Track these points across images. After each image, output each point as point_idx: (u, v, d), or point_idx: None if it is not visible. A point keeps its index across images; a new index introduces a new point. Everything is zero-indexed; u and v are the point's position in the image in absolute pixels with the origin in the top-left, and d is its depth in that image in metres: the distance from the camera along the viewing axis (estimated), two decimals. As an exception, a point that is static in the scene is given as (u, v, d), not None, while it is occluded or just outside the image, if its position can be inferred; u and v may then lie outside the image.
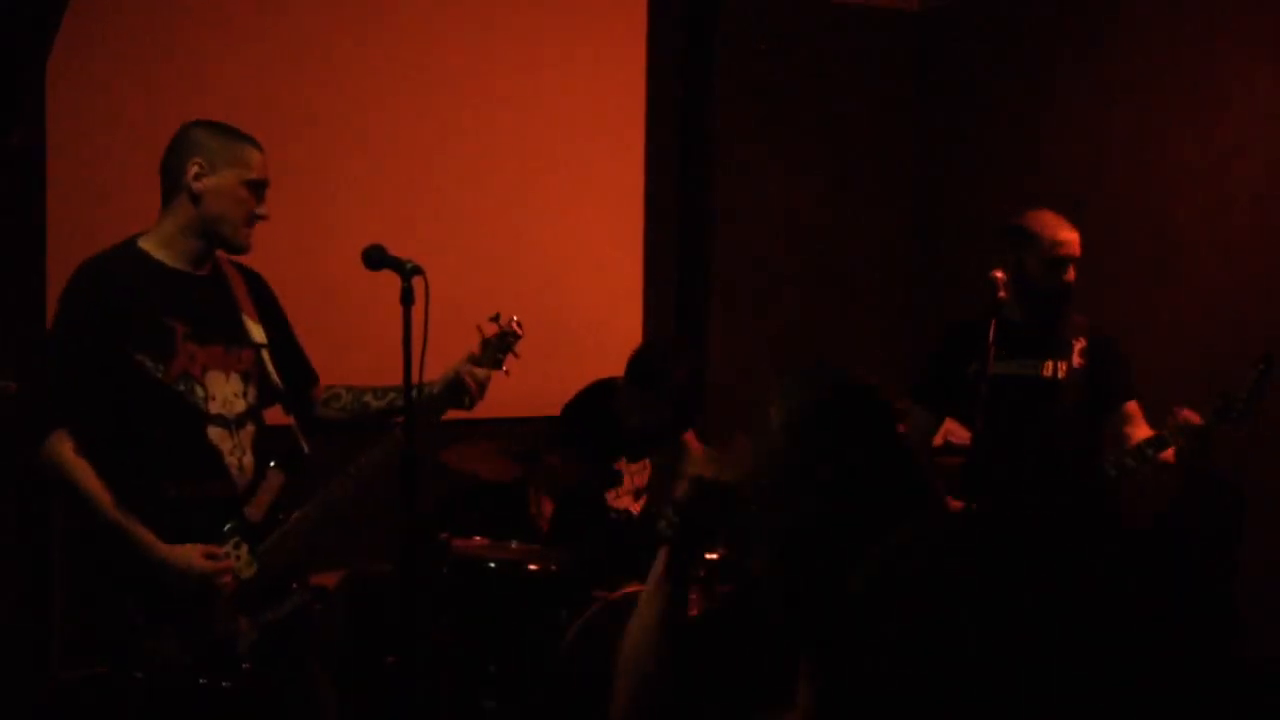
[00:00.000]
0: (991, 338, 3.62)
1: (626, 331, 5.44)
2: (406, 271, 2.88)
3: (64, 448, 2.86)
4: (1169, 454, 3.64)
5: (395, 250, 2.94)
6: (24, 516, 4.31)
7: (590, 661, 3.73)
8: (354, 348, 4.19)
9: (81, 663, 4.14)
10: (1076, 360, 3.83)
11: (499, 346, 3.22)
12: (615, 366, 4.54)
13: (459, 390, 3.18)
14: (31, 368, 3.01)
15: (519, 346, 3.25)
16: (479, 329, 3.21)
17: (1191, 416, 3.58)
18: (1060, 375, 3.82)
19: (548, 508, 4.40)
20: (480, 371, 3.18)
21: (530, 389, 4.05)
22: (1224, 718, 4.48)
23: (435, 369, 3.06)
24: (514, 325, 3.23)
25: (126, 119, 4.55)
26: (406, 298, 2.85)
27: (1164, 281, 4.95)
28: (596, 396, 4.44)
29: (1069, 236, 3.81)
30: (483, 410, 3.30)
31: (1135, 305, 4.98)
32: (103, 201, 4.48)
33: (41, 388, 2.96)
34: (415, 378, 2.85)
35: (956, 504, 3.79)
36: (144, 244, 3.03)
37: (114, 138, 4.54)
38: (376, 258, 2.93)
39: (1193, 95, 4.89)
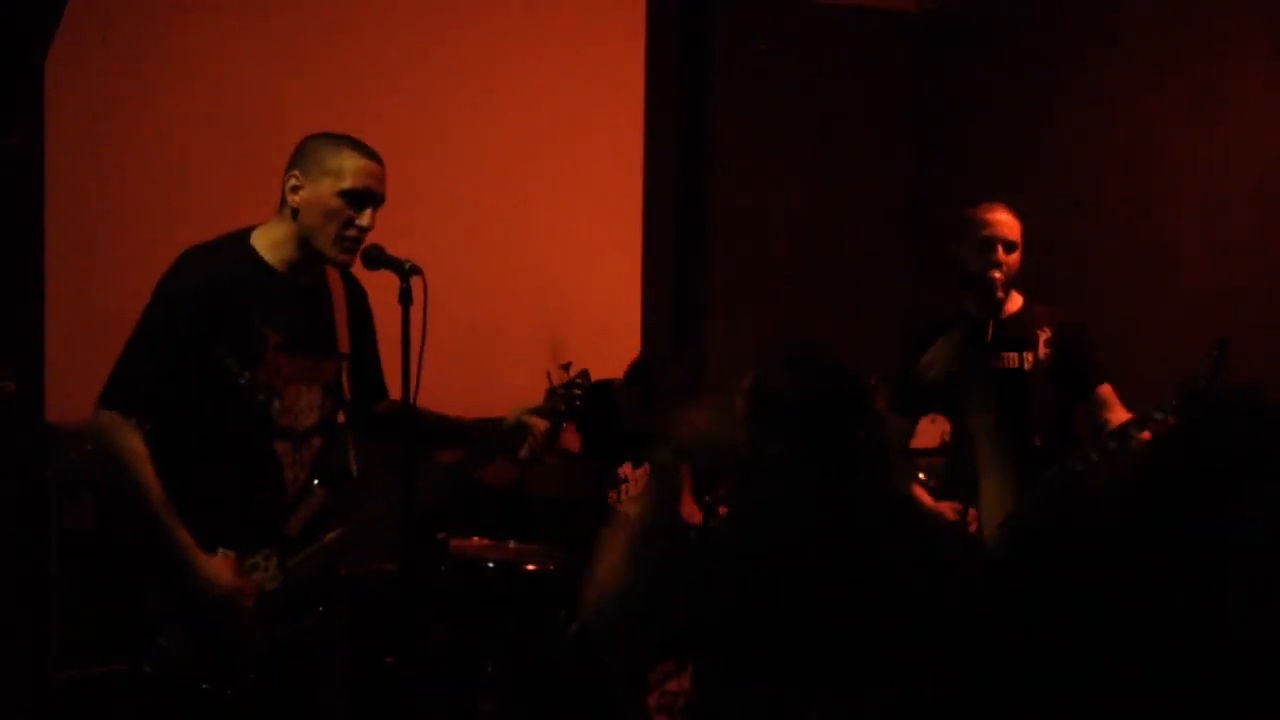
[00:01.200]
0: (990, 336, 3.62)
1: (625, 331, 5.45)
2: (405, 271, 2.85)
3: (128, 431, 2.81)
4: (1147, 434, 3.65)
5: (393, 250, 2.94)
6: (24, 516, 4.31)
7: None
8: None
9: (80, 663, 4.14)
10: (1042, 350, 3.82)
11: (565, 397, 3.19)
12: (614, 366, 4.54)
13: (520, 439, 3.14)
14: (130, 349, 2.91)
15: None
16: (547, 376, 3.18)
17: (1163, 419, 3.57)
18: (1026, 366, 3.82)
19: (573, 439, 4.40)
20: (542, 422, 3.14)
21: (527, 389, 4.05)
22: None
23: (432, 370, 3.05)
24: (581, 376, 3.20)
25: (125, 118, 4.55)
26: (405, 298, 2.83)
27: (1162, 281, 4.95)
28: (597, 398, 4.44)
29: (998, 218, 3.75)
30: (480, 411, 3.30)
31: (1133, 305, 4.98)
32: (101, 201, 4.49)
33: (120, 365, 2.89)
34: (413, 378, 2.84)
35: (947, 504, 3.81)
36: (256, 241, 2.96)
37: (112, 137, 4.54)
38: (375, 257, 2.91)
39: (1191, 95, 4.88)
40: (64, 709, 4.23)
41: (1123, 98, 5.14)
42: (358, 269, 2.99)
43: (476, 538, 4.27)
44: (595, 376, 4.56)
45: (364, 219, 2.94)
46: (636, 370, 4.25)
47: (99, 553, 4.16)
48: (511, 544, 4.26)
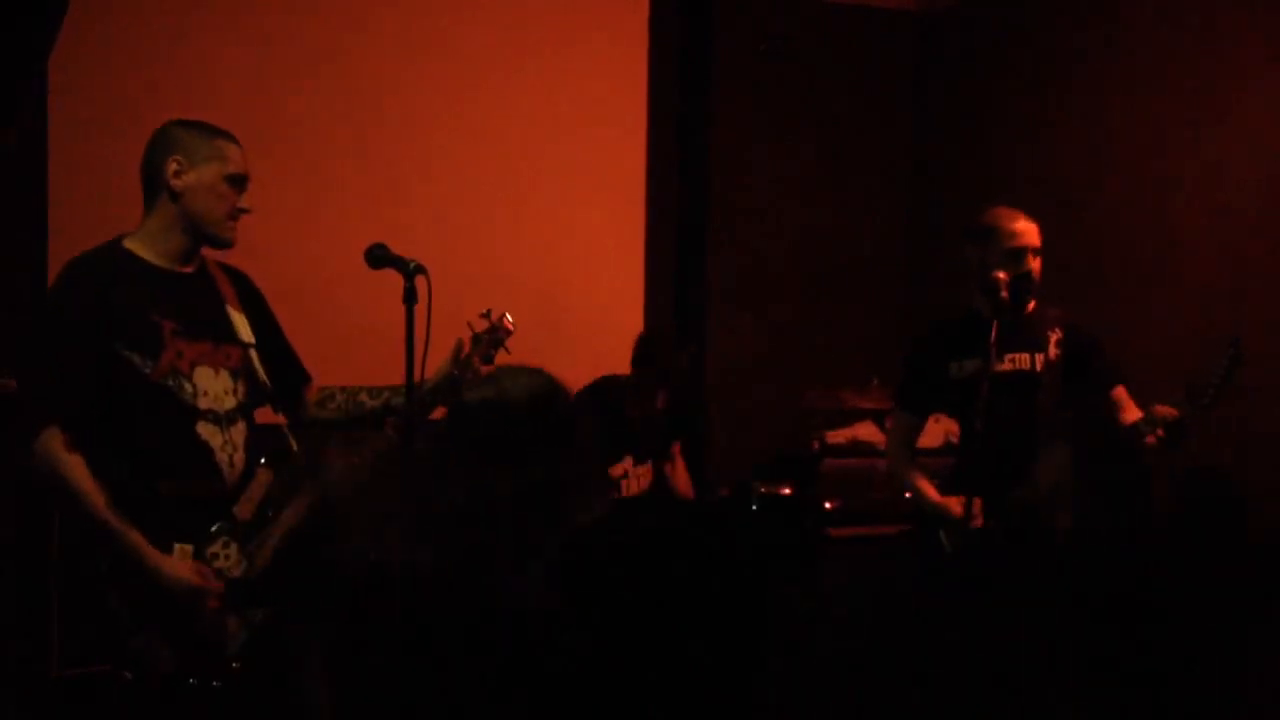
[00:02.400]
0: (994, 337, 3.64)
1: (627, 331, 5.43)
2: (409, 270, 2.86)
3: (56, 445, 2.85)
4: (1151, 440, 3.69)
5: (397, 249, 2.94)
6: (23, 515, 4.31)
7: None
8: (356, 347, 4.20)
9: (80, 661, 4.13)
10: (1053, 352, 3.87)
11: (490, 342, 3.21)
12: (616, 365, 4.55)
13: (453, 387, 3.17)
14: (24, 366, 3.00)
15: (510, 342, 3.24)
16: (469, 325, 3.21)
17: (1168, 411, 3.64)
18: (1038, 368, 3.85)
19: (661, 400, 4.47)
20: (477, 363, 3.18)
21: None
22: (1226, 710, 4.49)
23: (436, 368, 3.06)
24: (505, 321, 3.22)
25: (127, 117, 4.54)
26: (409, 297, 2.83)
27: (1164, 283, 4.95)
28: (598, 394, 4.45)
29: (1025, 227, 3.85)
30: (484, 409, 3.29)
31: (1135, 306, 4.98)
32: (103, 200, 4.47)
33: (31, 386, 2.97)
34: (418, 377, 2.84)
35: (954, 501, 3.82)
36: (129, 243, 3.04)
37: (115, 136, 4.52)
38: (379, 256, 2.93)
39: (1193, 96, 4.88)
40: (63, 707, 4.23)
41: (1124, 97, 5.15)
42: (359, 268, 3.00)
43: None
44: (596, 376, 4.58)
45: (245, 201, 3.08)
46: (642, 348, 4.31)
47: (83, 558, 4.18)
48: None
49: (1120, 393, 3.88)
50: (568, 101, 5.38)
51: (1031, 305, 3.91)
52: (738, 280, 5.88)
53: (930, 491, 3.93)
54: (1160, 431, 3.66)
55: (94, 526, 2.85)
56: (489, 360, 3.21)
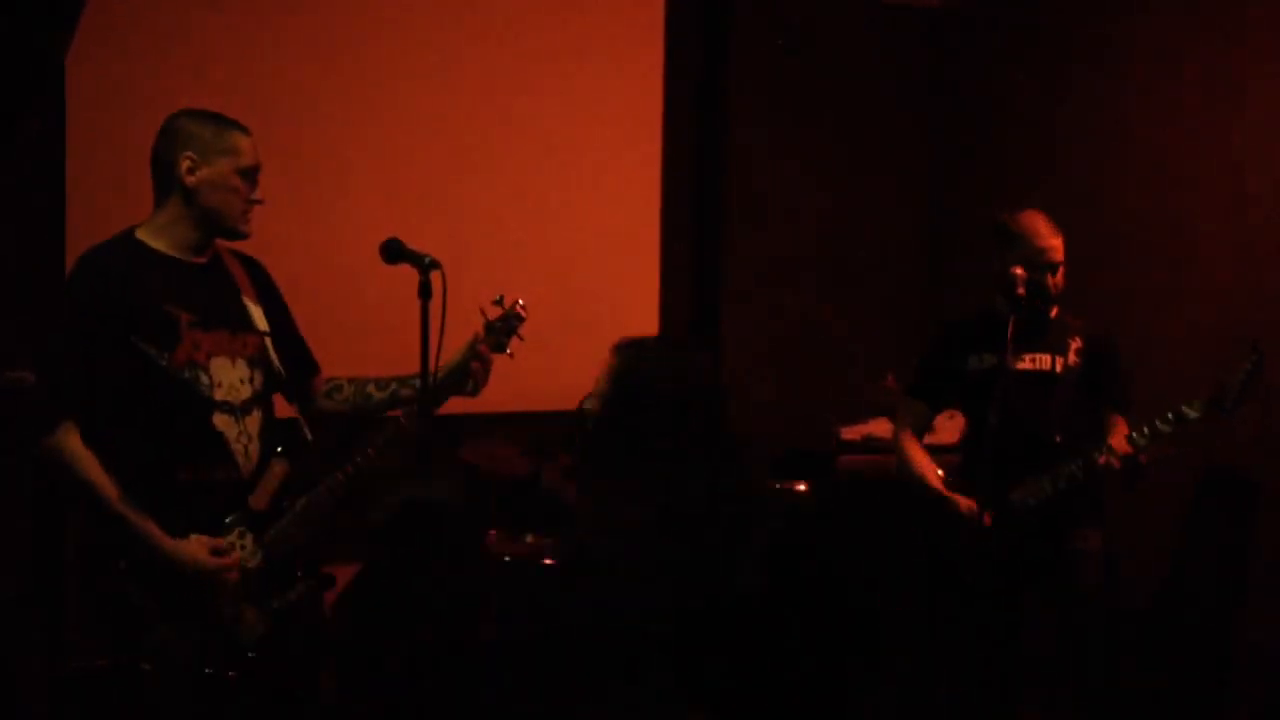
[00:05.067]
0: (1010, 334, 3.65)
1: (642, 326, 5.43)
2: (424, 265, 2.88)
3: (70, 439, 2.87)
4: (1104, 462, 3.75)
5: (412, 244, 2.94)
6: (38, 506, 4.33)
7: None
8: (371, 342, 4.20)
9: (95, 652, 4.15)
10: (1073, 359, 3.89)
11: (503, 330, 3.19)
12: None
13: (465, 376, 3.16)
14: (40, 360, 3.01)
15: (524, 336, 3.22)
16: (482, 312, 3.20)
17: (1122, 447, 3.73)
18: (1058, 370, 3.87)
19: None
20: (487, 353, 3.17)
21: (545, 383, 4.06)
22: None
23: (448, 358, 3.06)
24: (518, 308, 3.20)
25: (145, 108, 4.51)
26: (424, 292, 2.85)
27: (1179, 281, 4.93)
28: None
29: (1053, 243, 3.90)
30: (498, 404, 3.30)
31: (1150, 305, 4.96)
32: (121, 191, 4.47)
33: (46, 380, 2.97)
34: (433, 371, 2.85)
35: (968, 500, 3.81)
36: (142, 234, 3.04)
37: (133, 127, 4.50)
38: (395, 251, 2.93)
39: (1209, 95, 4.86)
40: (78, 698, 4.25)
41: (1143, 93, 5.12)
42: (374, 263, 3.00)
43: (493, 530, 4.27)
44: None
45: (258, 193, 3.07)
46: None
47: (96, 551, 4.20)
48: (528, 538, 4.27)
49: (1115, 420, 3.89)
50: (583, 94, 5.37)
51: (1055, 311, 3.93)
52: (753, 276, 5.87)
53: (937, 484, 3.94)
54: (1116, 463, 3.72)
55: (108, 519, 2.85)
56: (501, 349, 3.20)
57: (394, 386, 3.23)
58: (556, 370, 3.28)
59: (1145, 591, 4.79)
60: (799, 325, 5.92)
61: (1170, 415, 3.71)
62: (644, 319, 5.55)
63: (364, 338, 4.26)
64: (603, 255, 5.43)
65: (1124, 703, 4.52)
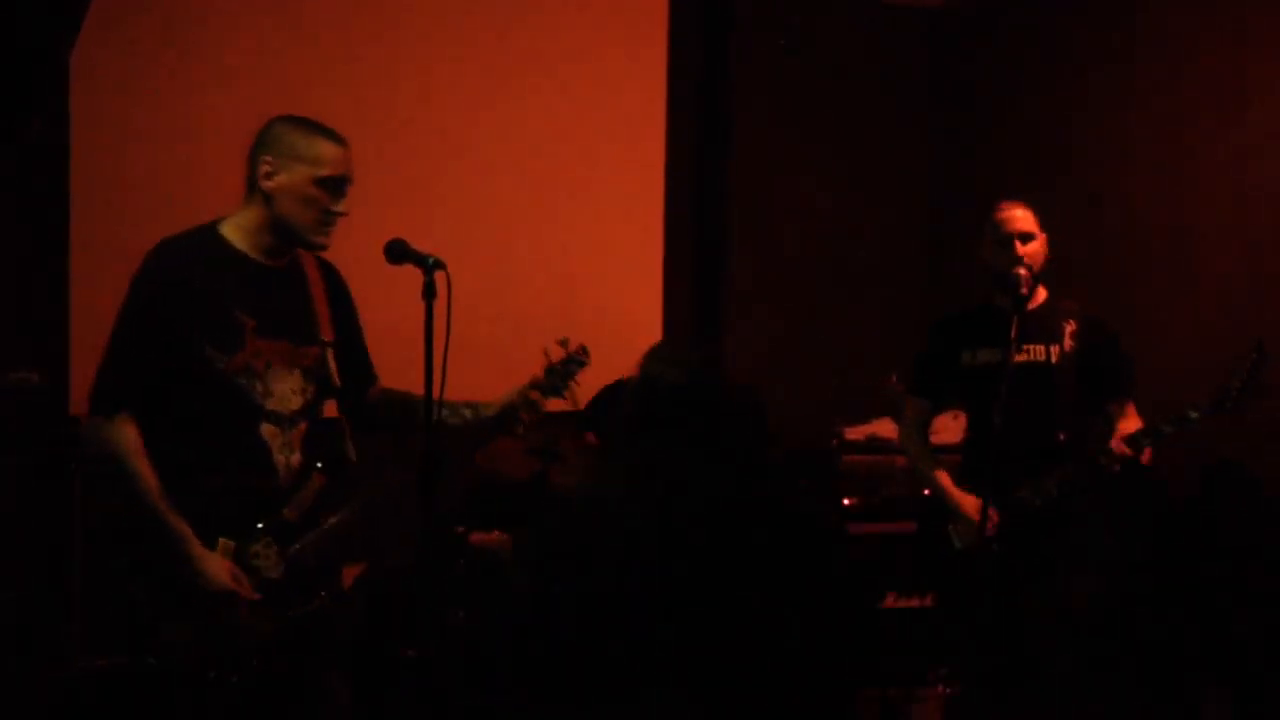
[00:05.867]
0: (1014, 332, 3.64)
1: (645, 329, 5.44)
2: (429, 266, 2.87)
3: (126, 429, 2.86)
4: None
5: (417, 245, 2.94)
6: (47, 507, 4.34)
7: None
8: (375, 342, 4.18)
9: (100, 652, 4.16)
10: (1068, 344, 3.87)
11: (562, 374, 3.17)
12: (635, 364, 4.54)
13: (515, 417, 3.15)
14: (111, 347, 2.96)
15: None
16: (545, 353, 3.18)
17: (1123, 450, 3.72)
18: (1053, 359, 3.85)
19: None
20: (540, 399, 3.15)
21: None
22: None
23: (456, 364, 3.05)
24: (580, 352, 3.18)
25: (149, 110, 4.57)
26: (428, 293, 2.85)
27: (1183, 280, 4.93)
28: (617, 394, 4.45)
29: (1012, 214, 3.87)
30: (502, 405, 3.29)
31: (1159, 299, 4.96)
32: (126, 192, 4.50)
33: (112, 365, 2.93)
34: (437, 373, 2.85)
35: (970, 497, 3.82)
36: (225, 230, 3.00)
37: (137, 129, 4.55)
38: (399, 252, 2.93)
39: (1213, 94, 4.86)
40: (82, 698, 4.26)
41: (1146, 92, 5.13)
42: (378, 264, 3.00)
43: (496, 532, 4.28)
44: (615, 375, 4.57)
45: (340, 205, 2.99)
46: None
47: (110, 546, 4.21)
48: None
49: (1124, 405, 3.88)
50: (587, 98, 5.38)
51: (1042, 295, 3.90)
52: (756, 278, 5.88)
53: (945, 481, 3.95)
54: (1116, 467, 3.72)
55: (142, 511, 2.85)
56: (558, 394, 3.16)
57: (446, 412, 3.21)
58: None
59: (1147, 591, 4.79)
60: (800, 325, 5.92)
61: (1173, 417, 3.70)
62: (647, 322, 5.56)
63: (368, 339, 4.26)
64: (606, 256, 5.44)
65: (1125, 702, 4.52)
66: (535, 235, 5.27)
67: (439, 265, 2.87)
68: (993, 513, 3.69)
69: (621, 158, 5.49)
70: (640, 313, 5.55)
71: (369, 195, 4.88)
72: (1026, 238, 3.83)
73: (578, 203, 5.37)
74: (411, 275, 2.90)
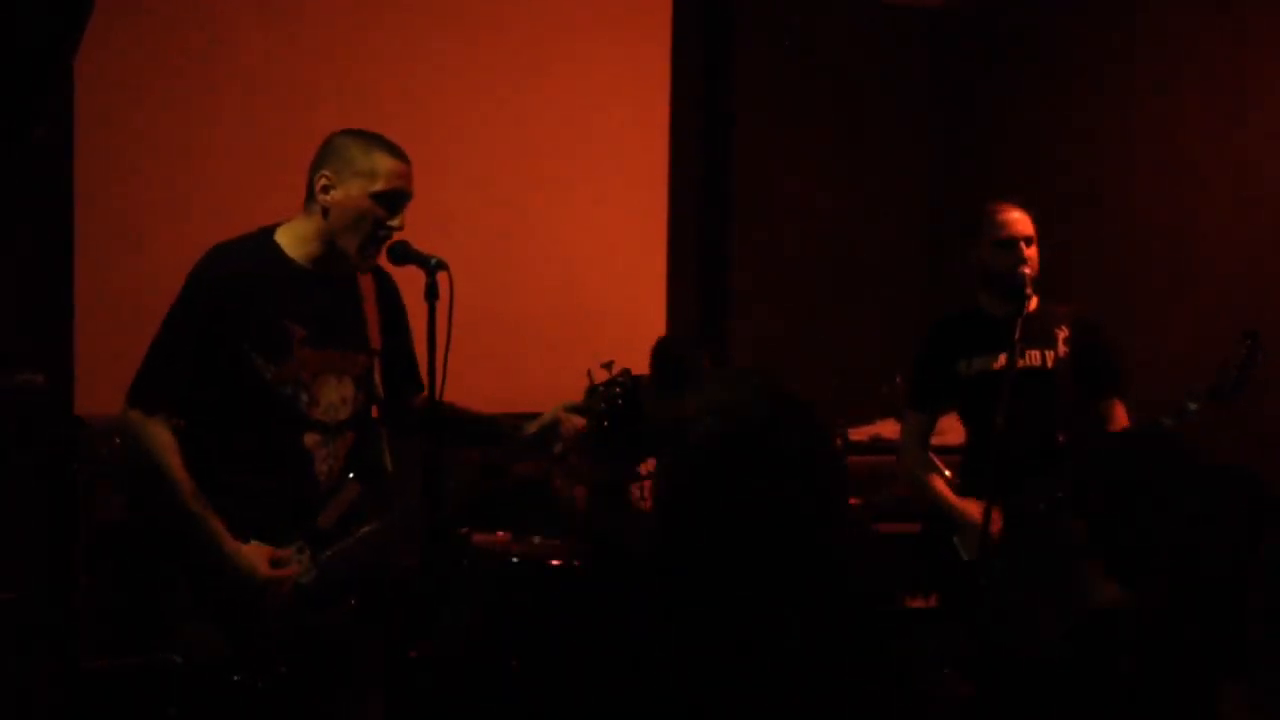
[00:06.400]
0: (1018, 335, 3.63)
1: (650, 327, 5.44)
2: (431, 267, 2.87)
3: (162, 428, 2.85)
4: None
5: (419, 246, 2.95)
6: (52, 509, 4.34)
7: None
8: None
9: (107, 654, 4.16)
10: (1062, 349, 3.85)
11: (606, 396, 3.14)
12: (639, 362, 4.55)
13: (553, 436, 3.13)
14: (157, 344, 2.94)
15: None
16: (589, 375, 3.17)
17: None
18: (1049, 365, 3.84)
19: (580, 493, 4.41)
20: (579, 420, 3.13)
21: (554, 383, 4.06)
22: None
23: (459, 365, 3.06)
24: (624, 375, 3.16)
25: (153, 114, 4.58)
26: (431, 293, 2.85)
27: (1186, 282, 4.93)
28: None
29: (1014, 216, 3.81)
30: (505, 405, 3.30)
31: (1160, 301, 4.97)
32: (129, 196, 4.51)
33: (155, 363, 2.92)
34: (439, 373, 2.85)
35: (972, 503, 3.82)
36: (280, 238, 2.98)
37: (141, 132, 4.56)
38: (401, 253, 2.93)
39: (1213, 94, 4.87)
40: (91, 700, 4.26)
41: (1148, 93, 5.13)
42: (381, 265, 3.01)
43: (500, 532, 4.28)
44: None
45: (396, 220, 2.94)
46: (662, 349, 4.28)
47: (127, 545, 4.19)
48: (536, 539, 4.28)
49: (1113, 406, 3.87)
50: (590, 98, 5.39)
51: (1034, 302, 3.87)
52: (760, 277, 5.89)
53: (946, 493, 3.92)
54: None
55: (176, 509, 2.84)
56: (598, 418, 3.12)
57: (484, 426, 3.21)
58: (565, 370, 3.28)
59: (1148, 591, 4.79)
60: (800, 325, 5.93)
61: (1173, 411, 3.70)
62: (651, 321, 5.56)
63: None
64: (609, 258, 5.45)
65: (1127, 702, 4.52)
66: (538, 236, 5.28)
67: (441, 266, 2.87)
68: (996, 515, 3.68)
69: (624, 159, 5.50)
70: (643, 313, 5.55)
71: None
72: (1029, 241, 3.79)
73: (581, 204, 5.38)
74: (414, 276, 2.91)
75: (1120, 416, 3.86)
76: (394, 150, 2.96)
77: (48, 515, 4.32)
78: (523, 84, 5.24)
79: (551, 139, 5.31)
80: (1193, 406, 3.68)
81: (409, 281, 2.98)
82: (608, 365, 3.15)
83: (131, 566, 3.00)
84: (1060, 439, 3.83)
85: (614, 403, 3.12)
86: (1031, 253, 3.79)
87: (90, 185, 4.52)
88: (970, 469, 3.96)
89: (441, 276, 2.86)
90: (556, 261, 5.26)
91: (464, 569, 4.07)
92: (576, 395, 4.49)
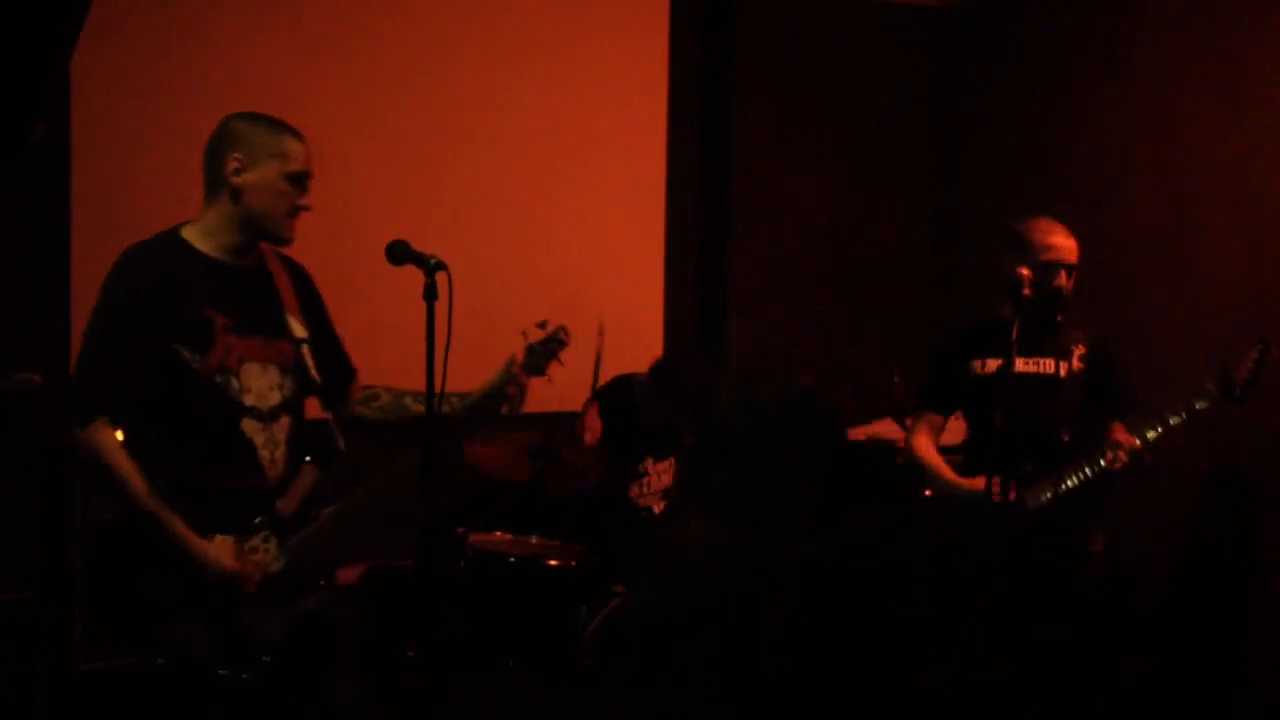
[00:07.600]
0: (1015, 336, 3.64)
1: (647, 328, 5.45)
2: (430, 267, 2.88)
3: (104, 434, 2.88)
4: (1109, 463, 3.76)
5: (418, 246, 2.95)
6: (49, 509, 4.34)
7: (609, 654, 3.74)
8: (376, 343, 4.19)
9: (102, 655, 4.16)
10: (1076, 364, 3.90)
11: (544, 353, 3.20)
12: (636, 363, 4.55)
13: (500, 397, 3.17)
14: (83, 356, 2.99)
15: (563, 353, 3.23)
16: (524, 334, 3.20)
17: (1128, 440, 3.72)
18: (1062, 374, 3.88)
19: (595, 424, 4.42)
20: (524, 378, 3.17)
21: (547, 385, 4.06)
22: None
23: (458, 365, 3.06)
24: (560, 332, 3.21)
25: (150, 113, 4.57)
26: (430, 293, 2.85)
27: (1187, 280, 4.93)
28: (619, 391, 4.46)
29: (1060, 242, 3.87)
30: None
31: (1162, 301, 4.97)
32: (127, 196, 4.51)
33: (84, 374, 2.96)
34: (438, 373, 2.85)
35: (978, 479, 3.82)
36: (186, 234, 3.03)
37: (137, 132, 4.56)
38: (400, 253, 2.94)
39: (1216, 93, 4.87)
40: (87, 700, 4.26)
41: (1150, 93, 5.13)
42: (380, 265, 3.00)
43: (497, 533, 4.28)
44: (618, 372, 4.58)
45: (306, 199, 3.04)
46: (659, 371, 4.28)
47: (115, 546, 4.20)
48: (532, 539, 4.27)
49: (1113, 428, 3.87)
50: (588, 98, 5.38)
51: (1061, 319, 3.92)
52: (759, 278, 5.88)
53: (953, 476, 3.95)
54: (1124, 457, 3.72)
55: (137, 511, 2.87)
56: (540, 372, 3.20)
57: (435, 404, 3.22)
58: (559, 372, 3.29)
59: (1150, 591, 4.80)
60: (800, 326, 5.93)
61: (1180, 408, 3.73)
62: (649, 321, 5.56)
63: (369, 339, 4.25)
64: (608, 257, 5.44)
65: (1129, 702, 4.52)
66: (537, 236, 5.28)
67: (440, 266, 2.88)
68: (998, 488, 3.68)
69: (623, 158, 5.50)
70: (642, 312, 5.55)
71: (370, 196, 4.92)
72: (1072, 270, 3.85)
73: (580, 204, 5.38)
74: (413, 276, 2.91)
75: (1119, 436, 3.87)
76: (296, 132, 3.06)
77: (46, 515, 4.32)
78: (521, 85, 5.24)
79: (550, 139, 5.31)
80: (1200, 405, 3.70)
81: (409, 281, 2.98)
82: (542, 325, 3.21)
83: (119, 567, 3.00)
84: (1065, 438, 3.85)
85: (553, 359, 3.20)
86: (1069, 281, 3.83)
87: (87, 186, 4.52)
88: (970, 469, 3.97)
89: (440, 277, 2.87)
90: (555, 262, 5.26)
91: (461, 570, 4.07)
92: (576, 395, 4.52)
